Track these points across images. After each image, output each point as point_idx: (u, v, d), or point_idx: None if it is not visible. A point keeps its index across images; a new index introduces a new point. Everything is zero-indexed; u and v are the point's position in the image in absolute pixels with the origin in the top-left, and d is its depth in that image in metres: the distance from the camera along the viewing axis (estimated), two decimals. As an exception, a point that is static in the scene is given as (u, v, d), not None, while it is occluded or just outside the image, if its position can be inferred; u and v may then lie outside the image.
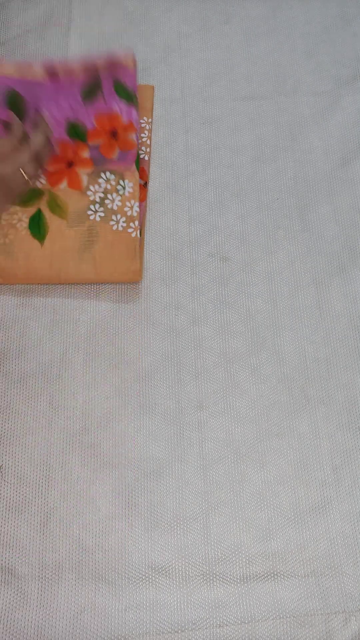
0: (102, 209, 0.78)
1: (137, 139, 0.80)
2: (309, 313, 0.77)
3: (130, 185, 0.78)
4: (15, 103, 0.79)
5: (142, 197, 0.80)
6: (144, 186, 0.81)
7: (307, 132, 0.87)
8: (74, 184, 0.80)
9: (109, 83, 0.79)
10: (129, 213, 0.78)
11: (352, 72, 0.91)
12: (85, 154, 0.80)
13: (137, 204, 0.78)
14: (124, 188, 0.78)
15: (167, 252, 0.79)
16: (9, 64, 0.79)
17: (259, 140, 0.86)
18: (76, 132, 0.80)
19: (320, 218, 0.82)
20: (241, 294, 0.77)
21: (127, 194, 0.78)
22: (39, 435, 0.69)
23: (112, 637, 0.62)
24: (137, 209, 0.78)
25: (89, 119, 0.80)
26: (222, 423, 0.71)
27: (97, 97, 0.79)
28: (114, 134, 0.80)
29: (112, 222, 0.78)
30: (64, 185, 0.80)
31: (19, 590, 0.63)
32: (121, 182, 0.79)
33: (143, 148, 0.83)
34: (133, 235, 0.77)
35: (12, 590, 0.63)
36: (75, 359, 0.73)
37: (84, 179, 0.80)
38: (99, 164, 0.80)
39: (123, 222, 0.78)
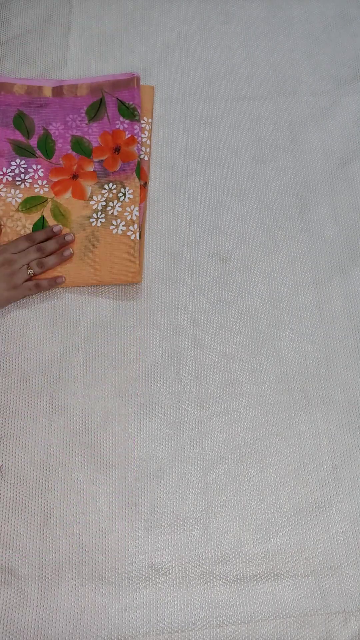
0: (103, 215, 0.79)
1: (139, 151, 0.82)
2: (309, 313, 0.77)
3: (130, 191, 0.80)
4: (22, 122, 0.84)
5: (142, 197, 0.80)
6: (143, 186, 0.81)
7: (307, 132, 0.87)
8: (78, 195, 0.81)
9: (114, 105, 0.84)
10: (128, 217, 0.78)
11: (352, 72, 0.91)
12: (90, 167, 0.83)
13: (136, 208, 0.79)
14: (124, 195, 0.79)
15: (167, 252, 0.79)
16: (19, 83, 0.83)
17: (259, 140, 0.86)
18: (81, 148, 0.83)
19: (320, 218, 0.82)
20: (241, 294, 0.77)
21: (127, 199, 0.79)
22: (39, 435, 0.69)
23: (112, 637, 0.62)
24: (137, 213, 0.78)
25: (94, 138, 0.83)
26: (222, 423, 0.71)
27: (102, 118, 0.84)
28: (117, 150, 0.82)
29: (112, 227, 0.78)
30: (68, 195, 0.81)
31: (19, 590, 0.63)
32: (122, 190, 0.80)
33: (143, 148, 0.84)
34: (132, 237, 0.77)
35: (12, 590, 0.63)
36: (75, 359, 0.73)
37: (88, 190, 0.81)
38: (102, 176, 0.82)
39: (123, 225, 0.78)
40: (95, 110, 0.85)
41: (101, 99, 0.85)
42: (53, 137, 0.84)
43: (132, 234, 0.78)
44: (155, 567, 0.65)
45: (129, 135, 0.83)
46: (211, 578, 0.64)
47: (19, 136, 0.83)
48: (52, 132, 0.84)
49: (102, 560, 0.65)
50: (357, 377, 0.73)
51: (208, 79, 0.90)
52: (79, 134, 0.84)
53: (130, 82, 0.85)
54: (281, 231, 0.81)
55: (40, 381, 0.72)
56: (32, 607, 0.63)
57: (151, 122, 0.86)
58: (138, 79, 0.85)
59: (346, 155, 0.86)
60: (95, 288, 0.77)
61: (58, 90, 0.85)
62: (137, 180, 0.80)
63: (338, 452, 0.70)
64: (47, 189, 0.81)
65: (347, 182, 0.84)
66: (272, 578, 0.64)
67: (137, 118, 0.83)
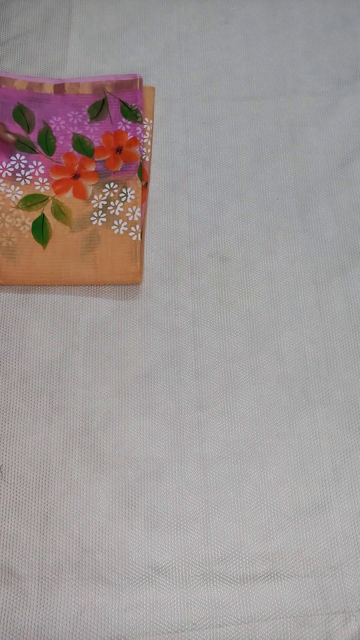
0: (104, 214, 0.79)
1: (141, 152, 0.82)
2: (309, 313, 0.77)
3: (132, 192, 0.80)
4: (22, 115, 0.84)
5: (143, 197, 0.80)
6: (144, 187, 0.81)
7: (307, 132, 0.87)
8: (79, 194, 0.81)
9: (116, 106, 0.84)
10: (130, 218, 0.78)
11: (352, 72, 0.91)
12: (91, 167, 0.82)
13: (138, 209, 0.79)
14: (126, 195, 0.79)
15: (167, 252, 0.79)
16: (20, 79, 0.84)
17: (259, 140, 0.86)
18: (83, 147, 0.83)
19: (320, 218, 0.82)
20: (241, 294, 0.77)
21: (129, 200, 0.79)
22: (39, 435, 0.69)
23: (112, 637, 0.62)
24: (139, 214, 0.78)
25: (95, 138, 0.83)
26: (222, 423, 0.71)
27: (104, 118, 0.84)
28: (119, 150, 0.82)
29: (113, 227, 0.78)
30: (69, 194, 0.81)
31: (19, 590, 0.63)
32: (124, 190, 0.80)
33: (144, 149, 0.84)
34: (134, 238, 0.77)
35: (12, 590, 0.63)
36: (75, 359, 0.73)
37: (89, 189, 0.81)
38: (103, 176, 0.82)
39: (124, 226, 0.78)
40: (98, 110, 0.85)
41: (104, 99, 0.85)
42: (54, 133, 0.83)
43: (133, 235, 0.78)
44: (155, 567, 0.65)
45: (131, 137, 0.83)
46: (211, 578, 0.64)
47: (18, 129, 0.83)
48: (52, 127, 0.84)
49: (102, 560, 0.65)
50: (357, 377, 0.73)
51: (208, 79, 0.90)
52: (80, 132, 0.84)
53: (133, 84, 0.85)
54: (281, 231, 0.81)
55: (40, 381, 0.72)
56: (32, 607, 0.63)
57: (152, 123, 0.86)
58: (140, 81, 0.85)
59: (346, 155, 0.86)
60: (95, 288, 0.77)
61: (60, 88, 0.85)
62: (139, 181, 0.80)
63: (338, 452, 0.70)
64: (47, 187, 0.81)
65: (347, 182, 0.84)
66: (272, 578, 0.64)
67: (139, 120, 0.83)
